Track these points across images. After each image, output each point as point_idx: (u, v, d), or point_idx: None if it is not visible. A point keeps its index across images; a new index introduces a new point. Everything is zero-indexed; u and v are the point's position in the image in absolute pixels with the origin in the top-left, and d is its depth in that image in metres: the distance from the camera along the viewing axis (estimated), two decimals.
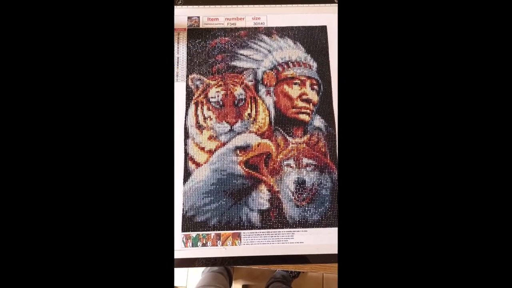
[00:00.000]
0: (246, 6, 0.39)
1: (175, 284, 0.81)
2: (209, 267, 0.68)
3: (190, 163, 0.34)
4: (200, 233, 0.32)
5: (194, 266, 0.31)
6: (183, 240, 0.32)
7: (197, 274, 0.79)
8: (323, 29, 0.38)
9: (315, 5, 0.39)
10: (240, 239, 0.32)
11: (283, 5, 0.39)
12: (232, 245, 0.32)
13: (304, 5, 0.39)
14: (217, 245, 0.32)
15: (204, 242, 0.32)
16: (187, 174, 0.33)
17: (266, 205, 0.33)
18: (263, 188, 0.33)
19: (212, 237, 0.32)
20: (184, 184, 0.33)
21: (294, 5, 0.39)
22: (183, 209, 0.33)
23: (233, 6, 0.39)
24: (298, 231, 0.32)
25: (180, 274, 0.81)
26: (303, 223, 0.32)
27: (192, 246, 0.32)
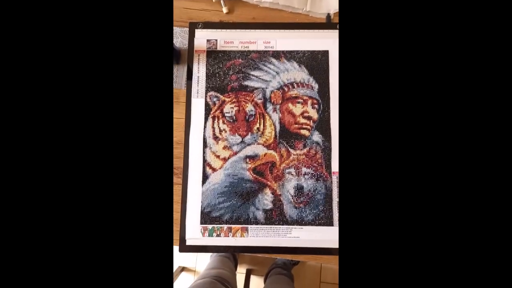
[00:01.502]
0: (258, 30, 0.44)
1: (186, 265, 0.90)
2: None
3: (207, 168, 0.41)
4: (215, 226, 0.39)
5: (210, 252, 0.39)
6: (201, 231, 0.39)
7: (205, 257, 0.88)
8: (325, 54, 0.43)
9: (320, 31, 0.44)
10: (248, 232, 0.39)
11: (291, 30, 0.44)
12: (241, 236, 0.39)
13: (310, 30, 0.44)
14: (228, 236, 0.39)
15: (218, 233, 0.39)
16: (205, 177, 0.40)
17: (269, 206, 0.40)
18: (268, 191, 0.40)
19: (224, 229, 0.39)
20: (202, 186, 0.40)
21: (300, 30, 0.44)
22: (201, 206, 0.40)
23: (247, 30, 0.44)
24: (295, 228, 0.39)
25: (189, 258, 0.90)
26: (300, 222, 0.39)
27: (208, 236, 0.39)
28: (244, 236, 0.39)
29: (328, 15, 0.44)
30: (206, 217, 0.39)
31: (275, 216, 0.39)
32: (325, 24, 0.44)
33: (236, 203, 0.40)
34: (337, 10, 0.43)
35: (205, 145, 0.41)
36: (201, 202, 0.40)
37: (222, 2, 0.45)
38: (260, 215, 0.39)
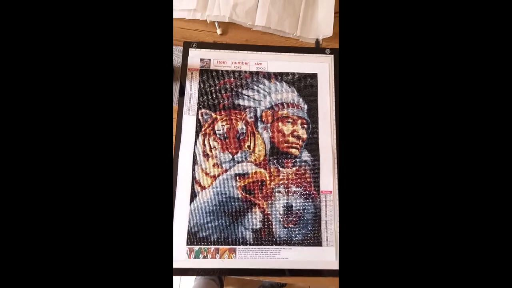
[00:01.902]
0: (250, 52, 0.46)
1: None
2: None
3: (196, 186, 0.40)
4: (202, 247, 0.38)
5: (196, 275, 0.37)
6: (187, 252, 0.38)
7: (189, 280, 0.84)
8: (314, 76, 0.45)
9: (309, 55, 0.46)
10: (235, 254, 0.38)
11: (282, 53, 0.46)
12: (228, 258, 0.38)
13: (300, 54, 0.46)
14: (215, 258, 0.38)
15: (205, 255, 0.38)
16: (193, 196, 0.39)
17: (258, 225, 0.39)
18: (257, 210, 0.40)
19: (211, 250, 0.38)
20: (190, 204, 0.39)
21: (291, 54, 0.46)
22: (188, 225, 0.38)
23: (239, 51, 0.46)
24: (284, 248, 0.39)
25: (173, 280, 0.85)
26: (289, 242, 0.39)
27: (195, 257, 0.37)
28: (231, 258, 0.38)
29: (317, 40, 0.47)
30: (193, 238, 0.38)
31: (264, 236, 0.39)
32: (314, 49, 0.46)
33: (224, 222, 0.39)
34: (326, 36, 0.46)
35: (194, 162, 0.41)
36: (188, 221, 0.39)
37: (216, 23, 0.46)
38: (248, 235, 0.39)
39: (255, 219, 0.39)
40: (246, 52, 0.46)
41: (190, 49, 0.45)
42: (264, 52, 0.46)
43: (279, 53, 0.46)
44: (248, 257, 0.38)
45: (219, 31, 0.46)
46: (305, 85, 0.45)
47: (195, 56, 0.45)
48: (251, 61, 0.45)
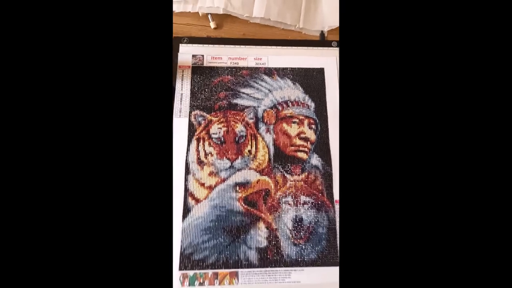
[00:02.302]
0: (248, 46, 0.41)
1: None
2: None
3: (190, 199, 0.34)
4: (198, 271, 0.32)
5: None
6: (180, 279, 0.32)
7: None
8: (320, 71, 0.40)
9: (314, 48, 0.42)
10: (238, 279, 0.32)
11: (283, 47, 0.41)
12: (229, 284, 0.32)
13: (303, 47, 0.42)
14: (214, 284, 0.32)
15: (201, 281, 0.32)
16: (186, 211, 0.34)
17: (264, 243, 0.33)
18: (261, 225, 0.34)
19: (209, 276, 0.32)
20: (183, 221, 0.33)
21: (294, 47, 0.42)
22: (181, 246, 0.33)
23: (236, 46, 0.41)
24: (295, 270, 0.33)
25: None
26: (300, 262, 0.33)
27: (189, 285, 0.31)
28: (233, 284, 0.32)
29: (322, 33, 0.42)
30: (187, 261, 0.32)
31: (271, 256, 0.33)
32: (319, 42, 0.42)
33: (223, 241, 0.33)
34: (331, 27, 0.42)
35: (187, 171, 0.35)
36: (181, 241, 0.33)
37: (209, 16, 0.42)
38: (252, 255, 0.33)
39: (259, 236, 0.33)
40: (243, 46, 0.41)
41: (180, 45, 0.41)
42: (264, 46, 0.41)
43: (280, 47, 0.41)
44: (253, 282, 0.32)
45: (212, 25, 0.42)
46: (311, 81, 0.40)
47: (187, 53, 0.40)
48: (250, 56, 0.41)
